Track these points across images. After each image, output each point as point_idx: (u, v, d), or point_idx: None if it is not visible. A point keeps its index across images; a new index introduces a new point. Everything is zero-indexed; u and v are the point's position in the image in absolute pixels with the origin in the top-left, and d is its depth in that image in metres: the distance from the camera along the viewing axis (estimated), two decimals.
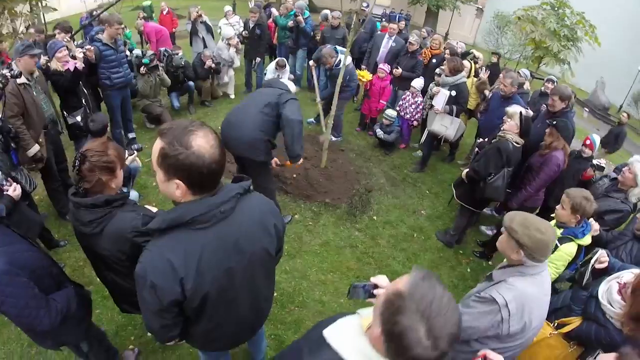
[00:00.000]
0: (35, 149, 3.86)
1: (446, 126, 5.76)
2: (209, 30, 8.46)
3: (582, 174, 4.42)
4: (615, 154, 10.36)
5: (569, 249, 3.05)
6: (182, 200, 1.54)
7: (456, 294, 3.95)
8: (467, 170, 4.38)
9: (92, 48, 5.02)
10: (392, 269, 4.40)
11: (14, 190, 2.89)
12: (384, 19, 11.46)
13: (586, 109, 15.36)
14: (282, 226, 1.89)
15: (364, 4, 8.66)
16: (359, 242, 4.80)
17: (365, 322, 1.26)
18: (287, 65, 7.88)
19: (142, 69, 6.14)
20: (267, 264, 1.87)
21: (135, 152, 3.97)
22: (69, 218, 4.17)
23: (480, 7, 20.51)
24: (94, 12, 8.66)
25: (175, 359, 3.24)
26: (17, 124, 3.66)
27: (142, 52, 6.72)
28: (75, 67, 4.52)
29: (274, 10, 8.75)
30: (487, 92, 5.98)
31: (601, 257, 2.67)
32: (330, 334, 1.26)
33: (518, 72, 7.02)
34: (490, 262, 4.78)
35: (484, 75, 6.60)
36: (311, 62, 6.84)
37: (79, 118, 4.81)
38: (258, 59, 8.07)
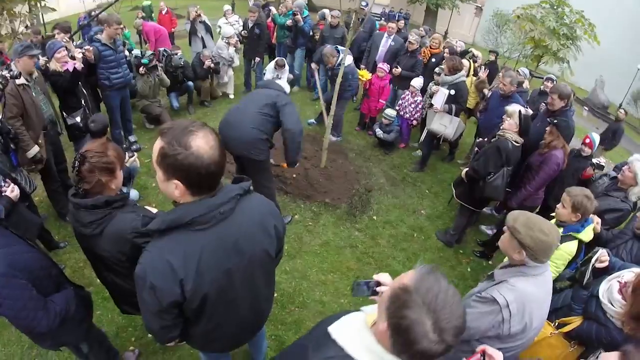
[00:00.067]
0: (34, 150, 3.85)
1: (445, 125, 5.76)
2: (208, 30, 8.45)
3: (581, 173, 4.42)
4: (615, 152, 10.37)
5: (569, 248, 3.05)
6: (181, 201, 1.54)
7: None
8: (467, 169, 4.38)
9: (91, 48, 5.00)
10: (392, 269, 4.40)
11: (12, 192, 2.89)
12: (383, 18, 11.45)
13: (585, 108, 15.37)
14: (282, 227, 1.88)
15: (363, 3, 8.65)
16: (359, 242, 4.80)
17: (369, 319, 1.27)
18: (287, 65, 7.88)
19: (141, 69, 6.13)
20: (267, 265, 1.87)
21: (135, 153, 3.97)
22: (68, 219, 4.17)
23: (480, 5, 20.51)
24: (93, 13, 8.64)
25: None
26: (16, 125, 3.65)
27: (141, 52, 6.72)
28: (75, 68, 4.51)
29: (272, 8, 8.74)
30: (486, 91, 5.98)
31: (602, 256, 2.67)
32: (336, 330, 1.27)
33: (517, 71, 7.04)
34: (490, 262, 4.78)
35: (483, 74, 6.61)
36: (313, 65, 6.83)
37: (78, 119, 4.80)
38: (257, 59, 8.06)
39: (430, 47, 7.05)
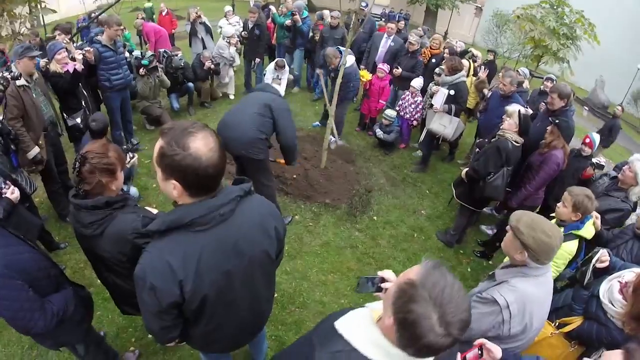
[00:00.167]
0: (35, 151, 3.86)
1: (445, 125, 5.76)
2: (208, 31, 8.46)
3: (581, 173, 4.42)
4: (616, 152, 10.37)
5: (569, 247, 3.04)
6: (180, 201, 1.54)
7: None
8: (467, 169, 4.38)
9: (92, 49, 5.01)
10: (393, 269, 4.33)
11: (12, 193, 2.90)
12: (383, 19, 11.46)
13: (586, 108, 15.37)
14: (282, 229, 1.88)
15: (363, 4, 8.66)
16: (360, 242, 4.80)
17: (375, 315, 1.28)
18: (287, 66, 7.88)
19: (142, 71, 6.14)
20: (267, 267, 1.86)
21: (135, 155, 3.97)
22: (69, 220, 4.17)
23: (480, 6, 20.51)
24: (93, 14, 8.65)
25: None
26: (16, 126, 3.66)
27: (141, 53, 6.72)
28: (75, 69, 4.52)
29: (272, 8, 8.75)
30: (486, 91, 5.98)
31: (602, 256, 2.66)
32: (342, 325, 1.28)
33: (517, 71, 7.03)
34: (490, 262, 4.78)
35: (482, 74, 6.61)
36: (318, 70, 6.83)
37: (78, 120, 4.81)
38: (257, 60, 8.06)
39: (431, 48, 7.06)
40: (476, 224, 5.32)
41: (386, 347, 1.16)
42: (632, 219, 3.73)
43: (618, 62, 15.84)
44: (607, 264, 2.66)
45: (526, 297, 1.99)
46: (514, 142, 3.98)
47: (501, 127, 4.13)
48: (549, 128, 4.04)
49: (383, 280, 1.61)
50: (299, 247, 4.56)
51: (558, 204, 3.18)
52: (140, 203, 4.76)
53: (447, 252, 4.87)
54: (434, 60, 6.89)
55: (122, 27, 5.41)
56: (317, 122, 7.52)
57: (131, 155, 3.81)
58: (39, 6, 7.21)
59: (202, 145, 1.40)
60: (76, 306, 2.29)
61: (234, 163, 4.50)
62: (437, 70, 6.24)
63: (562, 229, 3.08)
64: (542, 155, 4.07)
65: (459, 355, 1.50)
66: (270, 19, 8.53)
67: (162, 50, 7.18)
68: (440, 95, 5.76)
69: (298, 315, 3.76)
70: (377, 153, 6.85)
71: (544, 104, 5.04)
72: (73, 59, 4.61)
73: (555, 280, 3.12)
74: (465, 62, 6.49)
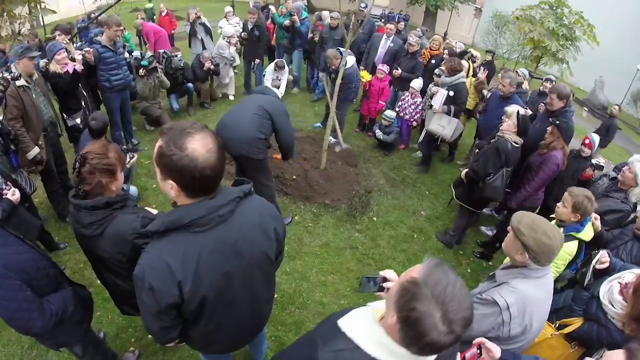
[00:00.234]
0: (34, 151, 3.85)
1: (443, 126, 5.77)
2: (207, 31, 8.46)
3: (581, 174, 4.42)
4: (615, 153, 10.38)
5: (569, 248, 3.04)
6: (179, 202, 1.55)
7: None
8: (467, 170, 4.38)
9: (91, 50, 5.01)
10: (393, 270, 4.38)
11: (12, 195, 2.90)
12: (382, 20, 11.46)
13: (585, 109, 15.39)
14: (282, 230, 1.88)
15: (362, 5, 8.67)
16: (359, 243, 4.80)
17: (377, 314, 1.29)
18: (287, 66, 7.89)
19: (141, 71, 6.14)
20: (267, 268, 1.86)
21: (135, 155, 3.97)
22: (69, 220, 4.17)
23: (479, 7, 20.53)
24: (92, 15, 8.65)
25: None
26: (16, 127, 3.66)
27: (140, 54, 6.72)
28: (74, 69, 4.52)
29: (272, 8, 8.75)
30: (485, 92, 5.98)
31: (602, 257, 2.66)
32: (345, 323, 1.28)
33: (516, 72, 7.04)
34: (490, 263, 4.78)
35: (482, 74, 6.61)
36: (322, 74, 6.84)
37: (78, 120, 4.81)
38: (257, 60, 8.06)
39: (430, 49, 7.07)
40: (476, 225, 5.32)
41: (389, 345, 1.16)
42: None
43: (617, 63, 15.85)
44: (607, 264, 2.66)
45: (526, 299, 1.99)
46: (513, 143, 3.98)
47: (500, 128, 4.13)
48: (549, 129, 4.04)
49: (385, 279, 1.62)
50: (298, 248, 4.56)
51: (558, 204, 3.18)
52: (140, 203, 4.76)
53: (447, 253, 4.87)
54: (433, 61, 6.90)
55: (121, 28, 5.41)
56: (319, 124, 7.52)
57: (131, 155, 3.81)
58: (38, 7, 7.22)
59: (199, 146, 1.40)
60: (75, 306, 2.29)
61: (233, 163, 4.50)
62: (436, 71, 6.25)
63: (561, 230, 3.08)
64: (542, 156, 4.07)
65: (458, 355, 1.50)
66: (269, 20, 8.54)
67: (161, 51, 7.18)
68: (440, 96, 5.77)
69: (298, 315, 3.76)
70: (377, 154, 6.85)
71: (543, 104, 5.05)
72: (73, 60, 4.61)
73: (555, 281, 3.12)
74: (464, 62, 6.49)
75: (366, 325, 1.26)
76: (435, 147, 6.57)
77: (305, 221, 4.99)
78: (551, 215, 3.28)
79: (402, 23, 9.26)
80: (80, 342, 2.53)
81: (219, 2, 16.87)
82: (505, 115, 4.11)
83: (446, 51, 7.00)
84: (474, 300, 2.18)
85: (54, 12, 8.56)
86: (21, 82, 3.77)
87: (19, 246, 2.08)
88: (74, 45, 5.78)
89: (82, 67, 4.67)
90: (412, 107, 6.57)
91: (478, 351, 1.63)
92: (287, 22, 8.00)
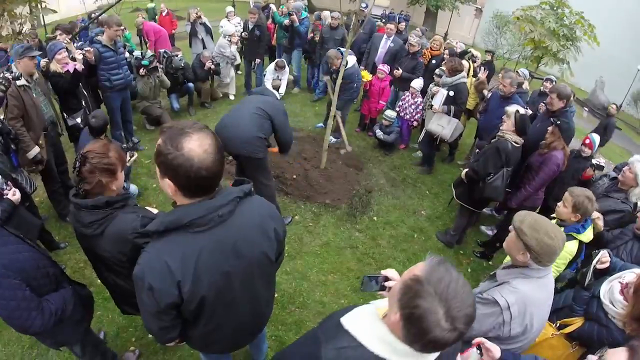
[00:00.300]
0: (35, 151, 3.86)
1: (443, 126, 5.77)
2: (208, 31, 8.46)
3: (581, 174, 4.42)
4: (615, 152, 10.37)
5: (569, 248, 3.04)
6: (178, 202, 1.55)
7: None
8: (467, 170, 4.38)
9: (92, 50, 5.02)
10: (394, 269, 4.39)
11: (13, 195, 2.90)
12: (383, 20, 11.45)
13: (585, 109, 15.37)
14: (282, 230, 1.87)
15: (363, 5, 8.66)
16: (360, 242, 4.80)
17: (380, 312, 1.29)
18: (287, 66, 7.89)
19: (142, 71, 6.14)
20: (267, 268, 1.85)
21: (135, 154, 3.98)
22: (69, 219, 4.17)
23: (479, 7, 20.51)
24: (93, 15, 8.66)
25: None
26: (17, 126, 3.66)
27: (141, 53, 6.72)
28: (75, 69, 4.53)
29: (272, 7, 8.75)
30: (485, 92, 5.98)
31: (603, 257, 2.66)
32: (348, 321, 1.29)
33: (517, 72, 7.03)
34: (490, 262, 4.78)
35: (482, 74, 6.61)
36: (326, 78, 6.83)
37: (78, 120, 4.81)
38: (258, 60, 8.07)
39: (431, 49, 7.07)
40: (476, 225, 5.32)
41: (393, 342, 1.17)
42: None
43: (618, 63, 15.82)
44: (607, 264, 2.66)
45: (527, 299, 1.98)
46: (513, 143, 3.98)
47: (501, 128, 4.13)
48: (549, 129, 4.04)
49: (386, 278, 1.63)
50: (299, 248, 4.56)
51: (558, 204, 3.17)
52: (141, 203, 4.77)
53: (447, 253, 4.87)
54: (434, 61, 6.90)
55: (121, 28, 5.42)
56: (321, 124, 7.50)
57: (131, 154, 3.82)
58: (39, 6, 7.20)
59: (196, 146, 1.40)
60: (75, 305, 2.29)
61: (233, 163, 4.50)
62: (437, 71, 6.25)
63: (562, 229, 3.08)
64: (542, 156, 4.07)
65: (458, 356, 1.50)
66: (270, 20, 8.53)
67: (162, 50, 7.18)
68: (439, 96, 5.77)
69: (298, 315, 3.76)
70: (377, 154, 6.85)
71: (543, 104, 5.04)
72: (73, 59, 4.61)
73: (556, 280, 3.11)
74: (464, 62, 6.49)
75: (369, 322, 1.26)
76: (435, 147, 6.57)
77: (305, 221, 4.99)
78: (552, 215, 3.28)
79: (403, 23, 9.25)
80: (79, 341, 2.53)
81: (219, 2, 16.87)
82: (505, 115, 4.11)
83: (447, 51, 7.00)
84: (475, 300, 2.18)
85: (55, 11, 8.53)
86: (22, 81, 3.78)
87: (19, 245, 2.08)
88: (75, 44, 5.78)
89: (83, 67, 4.68)
90: (413, 107, 6.57)
91: (478, 351, 1.63)
92: (286, 21, 8.00)
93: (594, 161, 4.50)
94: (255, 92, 4.38)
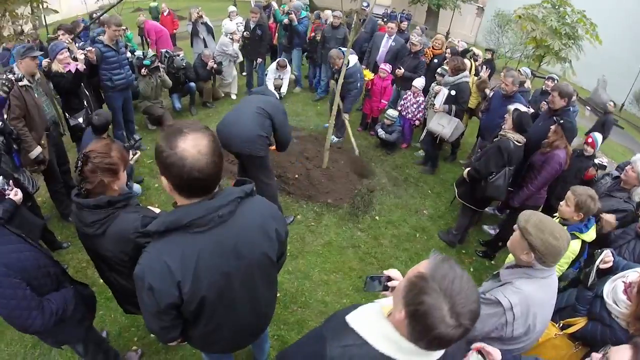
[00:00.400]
0: (37, 151, 3.86)
1: (443, 125, 5.75)
2: (209, 31, 8.46)
3: (584, 173, 4.40)
4: (617, 152, 10.34)
5: (572, 247, 3.03)
6: (178, 202, 1.55)
7: None
8: (469, 169, 4.37)
9: (94, 49, 5.02)
10: (396, 269, 4.38)
11: (15, 195, 2.91)
12: (384, 19, 11.44)
13: (588, 108, 15.33)
14: (284, 231, 1.87)
15: (364, 4, 8.65)
16: (362, 242, 4.79)
17: (385, 310, 1.29)
18: (288, 65, 7.88)
19: (143, 71, 6.14)
20: (268, 269, 1.85)
21: (138, 152, 3.98)
22: (71, 219, 4.18)
23: (481, 6, 20.46)
24: (94, 14, 8.66)
25: None
26: (19, 126, 3.67)
27: (143, 53, 6.73)
28: (77, 69, 4.53)
29: (274, 4, 8.75)
30: (487, 91, 5.97)
31: (606, 257, 2.64)
32: (353, 319, 1.29)
33: (519, 71, 7.01)
34: (493, 262, 4.77)
35: (484, 73, 6.59)
36: (332, 82, 6.82)
37: (80, 120, 4.82)
38: (259, 60, 8.07)
39: (433, 48, 7.05)
40: (478, 224, 5.32)
41: (398, 340, 1.17)
42: None
43: (618, 63, 15.76)
44: (610, 264, 2.64)
45: (530, 300, 1.97)
46: (515, 142, 3.97)
47: (503, 127, 4.12)
48: (552, 127, 4.02)
49: (389, 278, 1.62)
50: (301, 247, 4.56)
51: (561, 203, 3.16)
52: (143, 202, 4.77)
53: (450, 252, 4.86)
54: (436, 60, 6.88)
55: (122, 28, 5.42)
56: (327, 124, 7.48)
57: (134, 152, 3.83)
58: (40, 6, 7.21)
59: (190, 146, 1.39)
60: (77, 305, 2.30)
61: (235, 162, 4.51)
62: (439, 70, 6.23)
63: (565, 228, 3.07)
64: (544, 154, 4.06)
65: None
66: (272, 19, 8.52)
67: (163, 50, 7.19)
68: (440, 95, 5.76)
69: (300, 314, 3.76)
70: (379, 153, 6.84)
71: (545, 102, 5.02)
72: (75, 59, 4.62)
73: (559, 279, 3.11)
74: (466, 61, 6.47)
75: (374, 321, 1.26)
76: (437, 147, 6.56)
77: (307, 220, 4.99)
78: (554, 214, 3.27)
79: (405, 22, 9.22)
80: (81, 340, 2.54)
81: (221, 2, 16.88)
82: (507, 114, 4.10)
83: (448, 50, 6.99)
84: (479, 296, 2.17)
85: (56, 11, 8.56)
86: (23, 81, 3.78)
87: (20, 245, 2.09)
88: (77, 44, 5.79)
89: (85, 67, 4.68)
90: (415, 106, 6.56)
91: (479, 356, 1.62)
92: (285, 20, 7.98)
93: (596, 160, 4.48)
94: (256, 92, 4.39)
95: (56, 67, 4.50)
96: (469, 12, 20.47)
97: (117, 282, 2.28)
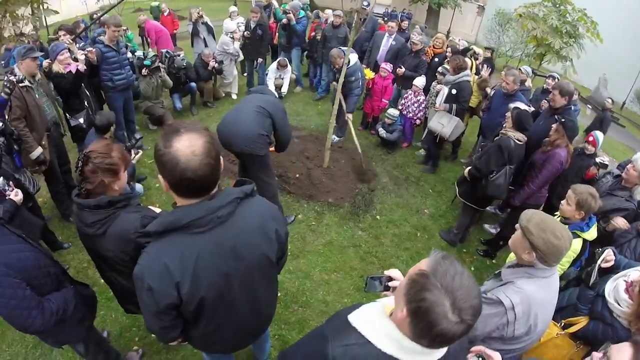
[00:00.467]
0: (38, 151, 3.87)
1: (443, 124, 5.74)
2: (210, 31, 8.46)
3: (585, 172, 4.39)
4: (619, 150, 10.32)
5: (574, 246, 3.02)
6: (177, 202, 1.55)
7: None
8: (470, 168, 4.37)
9: (94, 50, 5.03)
10: (396, 268, 4.37)
11: (15, 195, 2.91)
12: (385, 18, 11.43)
13: (589, 106, 15.30)
14: (284, 232, 1.86)
15: (365, 3, 8.65)
16: (363, 241, 4.79)
17: (387, 309, 1.30)
18: (289, 65, 7.87)
19: (144, 71, 6.15)
20: (267, 270, 1.84)
21: (140, 151, 3.99)
22: (72, 219, 4.19)
23: (482, 4, 20.43)
24: (95, 15, 8.67)
25: None
26: (19, 127, 3.67)
27: (143, 53, 6.73)
28: (77, 69, 4.53)
29: (275, 2, 8.73)
30: (488, 90, 5.96)
31: (608, 256, 2.64)
32: (356, 318, 1.30)
33: (520, 69, 7.00)
34: (494, 261, 4.76)
35: (485, 72, 6.57)
36: (334, 83, 6.82)
37: (81, 120, 4.82)
38: (260, 60, 8.06)
39: (434, 47, 7.05)
40: (479, 223, 5.31)
41: (400, 339, 1.18)
42: None
43: (620, 61, 15.73)
44: (612, 263, 2.64)
45: (532, 299, 1.96)
46: (516, 140, 3.96)
47: (504, 126, 4.11)
48: (554, 126, 4.01)
49: (390, 279, 1.63)
50: (302, 246, 4.56)
51: (562, 202, 3.16)
52: (144, 202, 4.77)
53: (451, 251, 4.85)
54: (436, 59, 6.88)
55: (122, 28, 5.43)
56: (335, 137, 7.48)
57: (136, 151, 3.84)
58: (41, 7, 7.23)
59: (184, 147, 1.39)
60: (77, 305, 2.30)
61: (235, 163, 4.50)
62: (440, 69, 6.22)
63: (566, 227, 3.06)
64: (545, 153, 4.05)
65: None
66: (272, 19, 8.52)
67: (164, 50, 7.19)
68: (440, 94, 5.76)
69: (301, 314, 3.76)
70: (380, 152, 6.83)
71: (545, 101, 5.00)
72: (76, 60, 4.62)
73: (560, 278, 3.10)
74: (467, 60, 6.46)
75: (377, 320, 1.27)
76: (439, 146, 6.55)
77: (308, 220, 4.99)
78: (555, 213, 3.26)
79: (406, 21, 9.21)
80: (82, 340, 2.54)
81: (221, 2, 16.89)
82: (508, 113, 4.09)
83: (449, 49, 6.98)
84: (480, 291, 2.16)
85: (57, 12, 8.57)
86: (24, 82, 3.78)
87: (20, 245, 2.09)
88: (77, 45, 5.80)
89: (85, 67, 4.68)
90: (415, 105, 6.56)
91: (479, 358, 1.62)
92: (284, 20, 7.98)
93: (597, 159, 4.46)
94: (255, 91, 4.38)
95: (57, 67, 4.50)
96: (469, 10, 20.45)
97: (117, 282, 2.28)
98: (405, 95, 6.73)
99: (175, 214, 1.51)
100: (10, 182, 2.99)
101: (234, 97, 8.34)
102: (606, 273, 2.61)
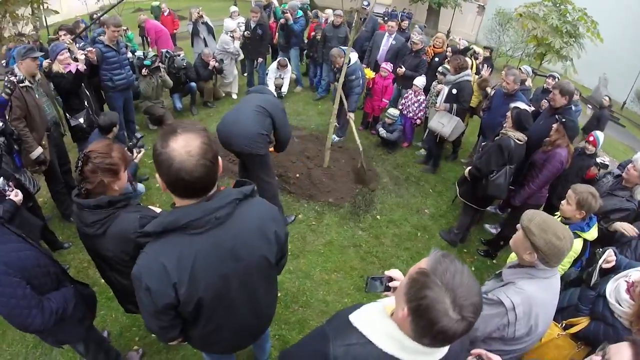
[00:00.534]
0: (38, 151, 3.87)
1: (443, 124, 5.74)
2: (210, 31, 8.45)
3: (585, 172, 4.39)
4: (619, 150, 10.32)
5: (574, 246, 3.01)
6: (177, 203, 1.55)
7: None
8: (470, 168, 4.36)
9: (94, 50, 5.03)
10: (396, 268, 4.37)
11: (15, 196, 2.91)
12: (385, 18, 11.43)
13: (589, 106, 15.29)
14: (283, 233, 1.85)
15: (365, 3, 8.64)
16: (363, 241, 4.78)
17: (388, 309, 1.30)
18: (289, 65, 7.87)
19: (144, 71, 6.15)
20: (267, 271, 1.84)
21: (142, 150, 3.99)
22: (72, 219, 4.19)
23: (482, 4, 20.44)
24: (95, 15, 8.67)
25: None
26: (19, 127, 3.67)
27: (143, 53, 6.73)
28: (77, 69, 4.53)
29: (275, 1, 8.72)
30: (488, 90, 5.95)
31: (609, 257, 2.63)
32: (357, 318, 1.30)
33: (520, 69, 7.00)
34: (494, 261, 4.76)
35: (485, 72, 6.57)
36: (335, 83, 6.82)
37: (81, 120, 4.82)
38: (260, 59, 8.06)
39: (434, 47, 7.05)
40: (480, 223, 5.31)
41: (401, 339, 1.18)
42: None
43: (620, 61, 15.73)
44: (613, 263, 2.63)
45: (532, 300, 1.96)
46: (516, 140, 3.96)
47: (504, 126, 4.11)
48: (554, 126, 4.01)
49: (390, 279, 1.63)
50: (302, 246, 4.56)
51: (562, 201, 3.15)
52: (144, 202, 4.77)
53: (451, 251, 4.84)
54: (437, 59, 6.88)
55: (121, 28, 5.42)
56: (336, 122, 7.48)
57: (137, 150, 3.83)
58: (41, 7, 7.23)
59: (179, 147, 1.38)
60: (77, 304, 2.30)
61: (236, 163, 4.50)
62: (440, 69, 6.22)
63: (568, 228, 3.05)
64: (546, 153, 4.04)
65: None
66: (272, 18, 8.51)
67: (164, 50, 7.19)
68: (442, 94, 5.75)
69: (301, 314, 3.76)
70: (380, 152, 6.83)
71: (545, 101, 4.99)
72: (76, 59, 4.62)
73: (560, 279, 3.09)
74: (467, 60, 6.45)
75: (378, 319, 1.27)
76: (440, 146, 6.54)
77: (308, 219, 4.99)
78: (555, 213, 3.26)
79: (406, 21, 9.21)
80: (82, 340, 2.54)
81: (221, 2, 16.88)
82: (509, 112, 4.09)
83: (449, 49, 6.98)
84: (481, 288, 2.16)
85: (57, 12, 8.57)
86: (24, 82, 3.78)
87: (20, 244, 2.09)
88: (77, 45, 5.79)
89: (85, 67, 4.68)
90: (416, 105, 6.56)
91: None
92: (282, 20, 7.97)
93: (598, 159, 4.45)
94: (255, 91, 4.37)
95: (57, 67, 4.50)
96: (469, 10, 20.46)
97: (118, 281, 2.28)
98: (406, 95, 6.73)
99: (174, 215, 1.51)
100: (10, 182, 2.99)
101: (234, 96, 8.34)
102: (607, 273, 2.60)
